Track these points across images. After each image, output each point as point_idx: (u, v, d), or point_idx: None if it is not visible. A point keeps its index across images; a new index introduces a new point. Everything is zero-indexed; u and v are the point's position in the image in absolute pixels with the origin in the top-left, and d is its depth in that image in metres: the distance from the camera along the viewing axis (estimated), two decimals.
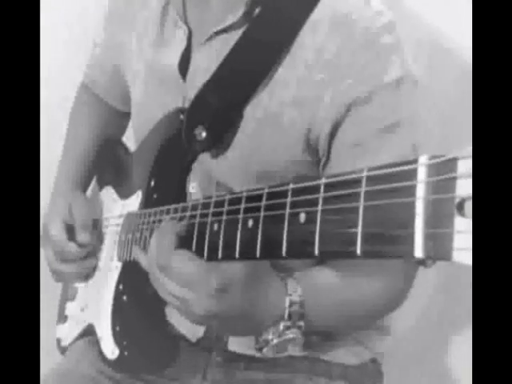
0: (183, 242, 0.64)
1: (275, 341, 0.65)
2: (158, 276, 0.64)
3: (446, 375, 1.22)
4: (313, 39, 0.73)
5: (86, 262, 0.93)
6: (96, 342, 0.87)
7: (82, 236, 0.90)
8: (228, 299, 0.61)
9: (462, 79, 1.06)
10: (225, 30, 0.78)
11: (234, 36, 0.77)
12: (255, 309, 0.64)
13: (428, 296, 1.19)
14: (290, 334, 0.65)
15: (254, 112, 0.76)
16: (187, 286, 0.61)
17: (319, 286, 0.70)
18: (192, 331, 0.88)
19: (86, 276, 0.95)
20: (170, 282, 0.63)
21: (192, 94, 0.79)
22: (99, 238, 0.94)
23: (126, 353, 0.82)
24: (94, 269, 0.94)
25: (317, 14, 0.73)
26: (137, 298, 0.85)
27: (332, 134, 0.74)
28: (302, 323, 0.66)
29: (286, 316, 0.65)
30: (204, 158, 0.81)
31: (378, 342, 0.91)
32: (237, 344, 0.85)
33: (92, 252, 0.93)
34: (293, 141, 0.76)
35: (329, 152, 0.75)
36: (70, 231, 0.91)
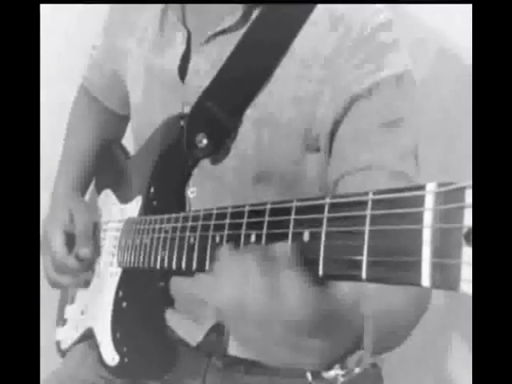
0: (188, 253, 0.64)
1: (341, 380, 0.51)
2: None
3: (447, 380, 1.22)
4: (311, 37, 0.73)
5: (84, 274, 0.93)
6: (96, 347, 0.87)
7: (83, 252, 0.91)
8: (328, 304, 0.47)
9: (462, 78, 1.06)
10: (223, 32, 0.77)
11: (233, 38, 0.77)
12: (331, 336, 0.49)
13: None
14: (358, 369, 0.51)
15: (253, 112, 0.76)
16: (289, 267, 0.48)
17: (389, 303, 0.58)
18: (192, 335, 0.87)
19: (86, 284, 0.95)
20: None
21: (191, 96, 0.79)
22: (97, 245, 0.94)
23: (126, 359, 0.82)
24: (93, 273, 0.94)
25: (315, 12, 0.73)
26: (136, 304, 0.85)
27: (332, 132, 0.73)
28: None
29: (361, 348, 0.51)
30: (204, 161, 0.81)
31: None
32: (236, 348, 0.85)
33: (90, 263, 0.93)
34: (292, 140, 0.76)
35: (330, 150, 0.75)
36: (71, 240, 0.92)
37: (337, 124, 0.73)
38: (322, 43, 0.72)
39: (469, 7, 0.60)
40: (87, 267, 0.93)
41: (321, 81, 0.72)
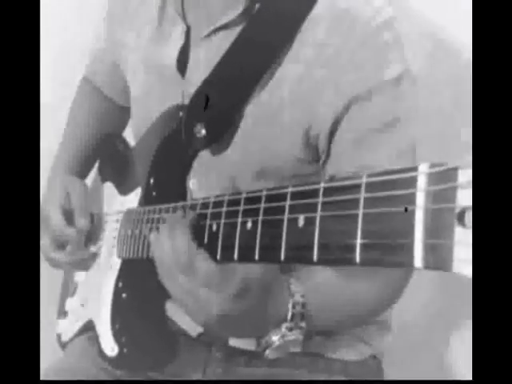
0: None
1: (277, 343, 0.64)
2: (174, 274, 0.62)
3: (447, 371, 1.22)
4: (313, 36, 0.72)
5: (79, 252, 0.92)
6: (96, 338, 0.87)
7: (82, 222, 0.89)
8: (243, 303, 0.60)
9: (462, 76, 1.06)
10: (224, 27, 0.77)
11: (234, 32, 0.76)
12: (262, 312, 0.63)
13: (428, 292, 1.19)
14: (291, 336, 0.64)
15: (253, 109, 0.76)
16: (208, 286, 0.60)
17: (321, 285, 0.70)
18: (193, 326, 0.88)
19: (82, 266, 0.94)
20: (189, 280, 0.60)
21: (191, 90, 0.79)
22: (99, 229, 0.94)
23: (125, 350, 0.82)
24: (93, 259, 0.93)
25: (317, 10, 0.73)
26: (136, 295, 0.85)
27: (332, 131, 0.74)
28: (303, 324, 0.65)
29: (288, 318, 0.64)
30: (205, 154, 0.81)
31: (378, 338, 0.91)
32: (237, 339, 0.85)
33: (88, 240, 0.93)
34: (293, 138, 0.76)
35: (329, 149, 0.75)
36: (69, 217, 0.90)
37: (336, 124, 0.73)
38: (324, 42, 0.72)
39: (469, 2, 0.60)
40: (87, 240, 0.92)
41: (322, 80, 0.72)
